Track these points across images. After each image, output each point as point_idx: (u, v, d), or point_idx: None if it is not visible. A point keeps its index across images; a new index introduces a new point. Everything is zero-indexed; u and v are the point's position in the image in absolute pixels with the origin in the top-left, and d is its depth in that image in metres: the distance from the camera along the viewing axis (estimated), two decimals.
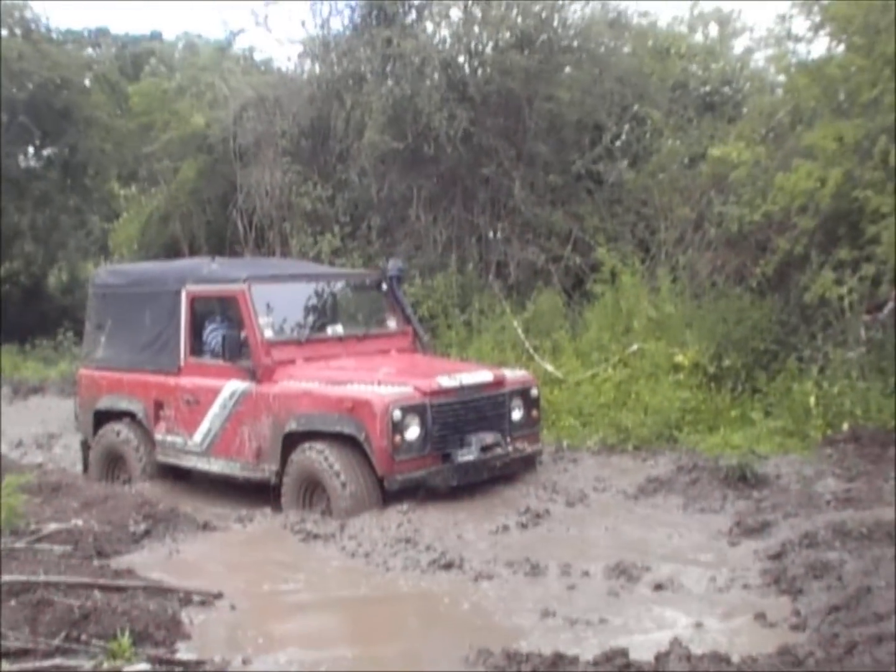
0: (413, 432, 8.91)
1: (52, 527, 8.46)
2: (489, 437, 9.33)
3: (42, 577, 7.05)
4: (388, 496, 9.02)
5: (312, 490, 9.24)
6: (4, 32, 20.73)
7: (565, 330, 13.35)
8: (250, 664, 6.25)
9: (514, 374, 10.25)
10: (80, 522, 8.67)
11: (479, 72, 14.42)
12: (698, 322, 12.40)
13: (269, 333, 9.82)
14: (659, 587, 7.41)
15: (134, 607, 6.74)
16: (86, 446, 11.60)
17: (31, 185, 20.70)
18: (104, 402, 11.23)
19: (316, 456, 9.11)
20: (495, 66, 14.18)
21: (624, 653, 5.97)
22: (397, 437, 8.78)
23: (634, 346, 12.46)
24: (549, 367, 12.67)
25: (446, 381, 9.26)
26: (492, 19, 14.26)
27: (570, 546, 8.57)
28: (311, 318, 10.54)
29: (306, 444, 9.21)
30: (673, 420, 11.34)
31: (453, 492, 9.57)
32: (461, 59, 14.46)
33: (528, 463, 9.95)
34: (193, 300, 10.44)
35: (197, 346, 10.43)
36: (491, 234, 14.75)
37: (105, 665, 5.90)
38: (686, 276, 13.37)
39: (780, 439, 10.69)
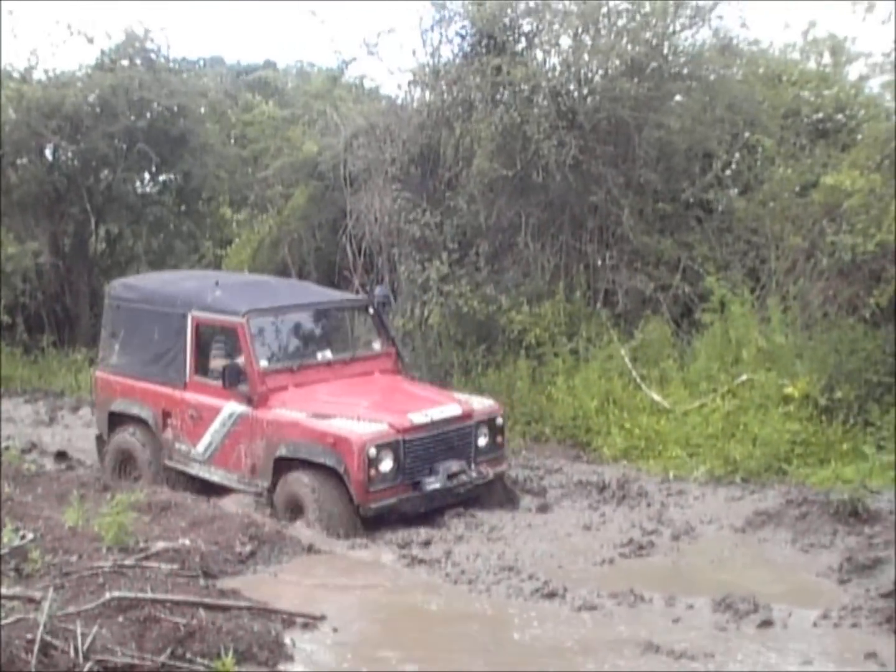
0: (386, 465, 9.75)
1: (160, 545, 8.65)
2: (455, 465, 10.15)
3: (149, 595, 7.22)
4: (364, 521, 9.83)
5: (299, 508, 10.02)
6: (125, 62, 21.17)
7: (673, 359, 13.21)
8: None
9: (482, 404, 10.99)
10: (187, 542, 8.86)
11: (589, 99, 14.33)
12: (809, 353, 12.19)
13: (264, 363, 10.72)
14: (767, 623, 7.33)
15: (238, 627, 6.87)
16: (100, 440, 12.58)
17: (146, 211, 20.99)
18: (118, 405, 12.20)
19: (300, 482, 10.03)
20: (605, 94, 14.12)
21: None
22: (372, 471, 9.64)
23: (743, 377, 12.29)
24: (657, 397, 12.58)
25: (418, 418, 10.10)
26: (601, 47, 14.20)
27: (675, 579, 8.52)
28: (303, 346, 11.46)
29: (292, 473, 10.13)
30: (782, 452, 11.16)
31: (555, 523, 9.70)
32: (570, 86, 14.36)
33: (492, 485, 10.56)
34: (198, 325, 11.26)
35: (201, 366, 11.27)
36: (599, 262, 14.61)
37: None
38: (797, 305, 13.13)
39: (893, 474, 10.43)
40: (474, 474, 10.24)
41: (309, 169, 17.53)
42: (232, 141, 21.96)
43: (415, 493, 9.95)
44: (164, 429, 11.55)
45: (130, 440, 11.93)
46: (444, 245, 14.66)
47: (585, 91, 14.44)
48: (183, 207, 21.65)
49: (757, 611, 7.51)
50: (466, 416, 10.48)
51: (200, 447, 11.15)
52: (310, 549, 9.32)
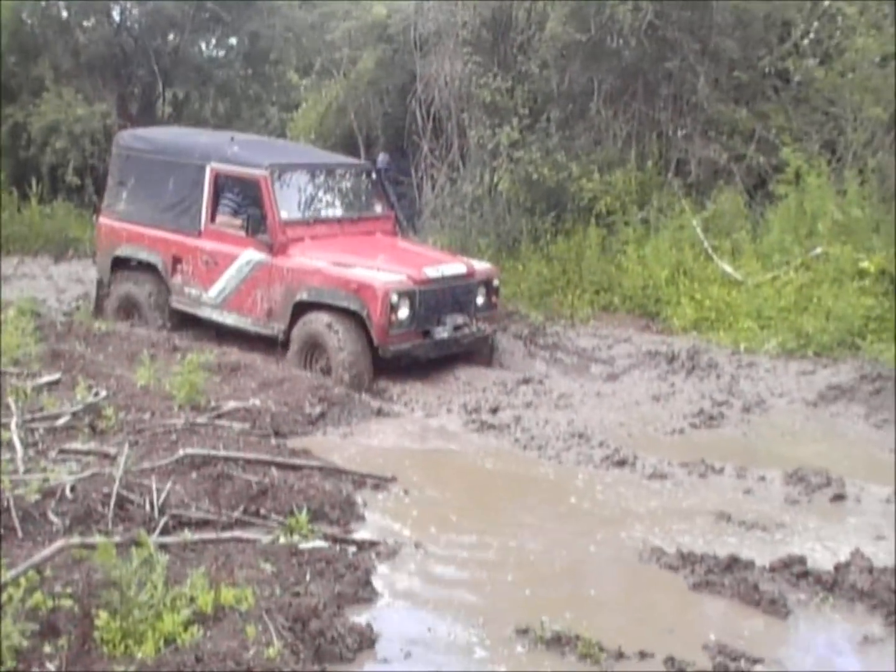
0: (404, 313, 10.59)
1: (231, 405, 8.80)
2: (460, 318, 11.10)
3: (222, 452, 7.32)
4: (379, 363, 10.64)
5: (315, 349, 10.78)
6: None
7: (746, 231, 12.98)
8: (422, 548, 6.37)
9: (481, 266, 11.92)
10: (257, 402, 8.97)
11: None
12: (887, 227, 11.95)
13: (284, 214, 11.40)
14: (839, 497, 7.33)
15: (310, 486, 6.99)
16: (101, 285, 13.31)
17: (213, 74, 20.94)
18: (123, 251, 12.85)
19: (323, 322, 10.68)
20: None
21: (802, 560, 5.92)
22: (392, 316, 10.47)
23: (818, 250, 12.08)
24: (728, 269, 12.41)
25: (431, 272, 11.01)
26: None
27: (746, 450, 8.50)
28: (316, 202, 12.09)
29: (313, 314, 10.84)
30: (856, 327, 10.97)
31: (624, 392, 9.75)
32: None
33: (484, 341, 11.51)
34: (217, 176, 11.87)
35: (216, 215, 11.90)
36: (672, 131, 14.32)
37: (282, 539, 6.10)
38: (875, 179, 12.82)
39: None
40: (475, 328, 11.16)
41: (378, 32, 17.19)
42: (299, 4, 21.64)
43: (426, 341, 10.86)
44: (173, 274, 12.23)
45: (135, 284, 12.59)
46: (514, 110, 14.38)
47: None
48: (250, 71, 21.52)
49: (829, 485, 7.49)
50: (470, 274, 11.41)
51: (213, 292, 11.84)
52: (379, 412, 9.42)
